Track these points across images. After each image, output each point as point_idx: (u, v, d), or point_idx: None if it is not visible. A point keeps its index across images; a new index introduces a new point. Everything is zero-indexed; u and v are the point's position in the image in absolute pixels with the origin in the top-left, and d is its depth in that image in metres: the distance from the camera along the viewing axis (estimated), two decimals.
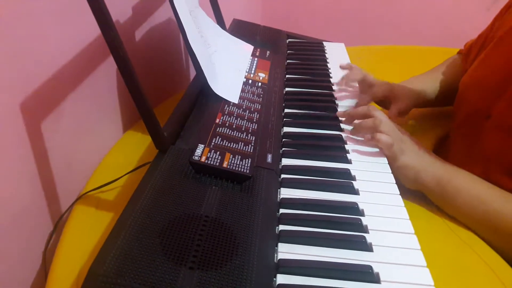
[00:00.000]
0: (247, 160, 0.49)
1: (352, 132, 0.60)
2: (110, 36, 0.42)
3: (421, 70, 0.88)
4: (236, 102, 0.62)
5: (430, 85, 0.79)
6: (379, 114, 0.58)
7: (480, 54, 0.70)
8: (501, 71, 0.61)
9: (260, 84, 0.70)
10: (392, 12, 1.76)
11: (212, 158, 0.48)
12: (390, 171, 0.53)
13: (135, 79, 0.45)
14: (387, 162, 0.54)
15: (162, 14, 0.84)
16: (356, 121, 0.60)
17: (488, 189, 0.54)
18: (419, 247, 0.42)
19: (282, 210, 0.46)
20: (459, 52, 0.84)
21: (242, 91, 0.66)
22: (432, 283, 0.38)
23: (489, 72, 0.64)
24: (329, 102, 0.69)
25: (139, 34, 0.76)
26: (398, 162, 0.56)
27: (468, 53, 0.78)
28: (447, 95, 0.77)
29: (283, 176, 0.51)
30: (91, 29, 0.62)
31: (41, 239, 0.57)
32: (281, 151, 0.56)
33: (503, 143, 0.58)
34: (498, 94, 0.60)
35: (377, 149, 0.57)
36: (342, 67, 0.78)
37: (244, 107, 0.62)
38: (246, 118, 0.59)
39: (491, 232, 0.52)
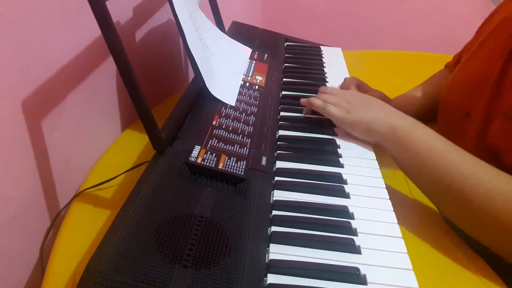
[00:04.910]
0: (242, 162, 0.51)
1: (301, 101, 0.66)
2: (111, 40, 0.44)
3: (418, 75, 0.89)
4: (233, 104, 0.64)
5: (421, 106, 0.81)
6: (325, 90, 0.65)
7: None
8: (478, 72, 0.65)
9: (257, 87, 0.72)
10: (390, 18, 1.78)
11: (208, 159, 0.49)
12: (381, 176, 0.54)
13: (135, 82, 0.46)
14: (378, 167, 0.56)
15: (162, 16, 0.86)
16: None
17: (443, 143, 0.53)
18: (405, 251, 0.43)
19: (274, 212, 0.47)
20: (447, 66, 0.87)
21: (239, 93, 0.67)
22: (417, 286, 0.40)
23: (469, 75, 0.68)
24: None
25: (139, 35, 0.78)
26: (347, 121, 0.59)
27: (456, 65, 0.81)
28: (433, 109, 0.78)
29: (276, 178, 0.52)
30: (92, 30, 0.63)
31: (39, 235, 0.58)
32: (275, 153, 0.57)
33: (481, 138, 0.60)
34: (476, 93, 0.63)
35: (369, 154, 0.58)
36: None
37: (240, 110, 0.63)
38: (242, 120, 0.60)
39: (438, 190, 0.52)
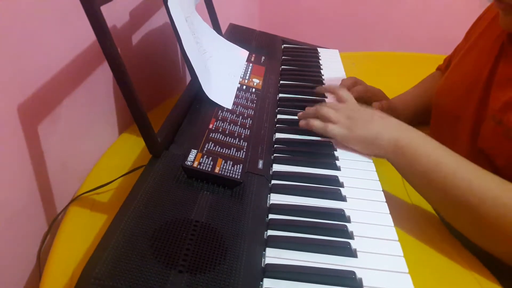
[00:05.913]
0: (238, 166, 0.51)
1: (301, 123, 0.62)
2: (106, 44, 0.44)
3: (415, 76, 0.90)
4: (230, 107, 0.64)
5: (412, 108, 0.81)
6: (323, 105, 0.62)
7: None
8: (469, 75, 0.65)
9: (254, 90, 0.72)
10: (387, 19, 1.78)
11: (204, 163, 0.49)
12: (377, 179, 0.54)
13: (130, 87, 0.46)
14: (374, 169, 0.56)
15: (159, 19, 0.86)
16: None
17: (451, 156, 0.52)
18: (402, 254, 0.43)
19: (271, 216, 0.47)
20: (438, 68, 0.87)
21: (236, 96, 0.67)
22: None
23: (459, 78, 0.68)
24: None
25: (135, 38, 0.78)
26: (349, 139, 0.58)
27: (447, 67, 0.81)
28: (425, 112, 0.79)
29: (273, 182, 0.52)
30: (88, 33, 0.62)
31: (36, 239, 0.58)
32: (272, 157, 0.57)
33: (473, 141, 0.61)
34: (467, 96, 0.63)
35: (365, 157, 0.58)
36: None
37: (237, 113, 0.63)
38: (239, 124, 0.60)
39: (446, 203, 0.51)
